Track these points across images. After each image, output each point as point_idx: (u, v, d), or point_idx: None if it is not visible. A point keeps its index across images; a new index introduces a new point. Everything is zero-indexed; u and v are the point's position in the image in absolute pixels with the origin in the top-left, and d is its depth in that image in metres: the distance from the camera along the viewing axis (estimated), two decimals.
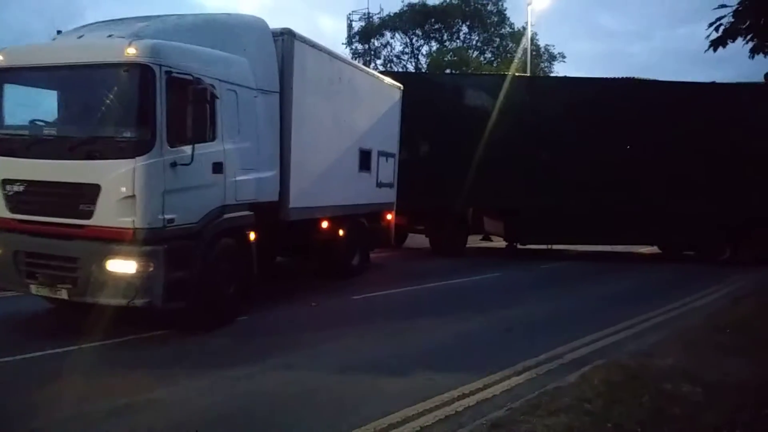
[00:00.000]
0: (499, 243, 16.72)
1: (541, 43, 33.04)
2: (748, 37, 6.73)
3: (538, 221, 14.44)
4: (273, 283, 9.31)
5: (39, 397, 4.70)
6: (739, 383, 5.11)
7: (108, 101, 6.09)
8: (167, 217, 6.10)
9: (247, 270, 7.44)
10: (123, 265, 5.93)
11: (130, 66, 5.88)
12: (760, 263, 14.08)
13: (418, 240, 15.64)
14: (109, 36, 6.28)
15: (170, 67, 6.03)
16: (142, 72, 5.88)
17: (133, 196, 5.86)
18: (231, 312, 7.17)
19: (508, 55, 31.89)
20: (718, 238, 15.13)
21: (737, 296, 9.79)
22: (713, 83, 16.01)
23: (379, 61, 33.29)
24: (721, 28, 6.64)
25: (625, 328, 7.76)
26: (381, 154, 11.57)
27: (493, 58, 32.97)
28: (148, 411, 4.53)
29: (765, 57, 6.90)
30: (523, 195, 14.31)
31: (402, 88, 12.44)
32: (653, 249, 17.09)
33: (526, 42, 26.59)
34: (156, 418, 4.40)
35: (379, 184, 11.64)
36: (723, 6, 6.63)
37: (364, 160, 10.92)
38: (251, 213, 7.50)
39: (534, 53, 29.79)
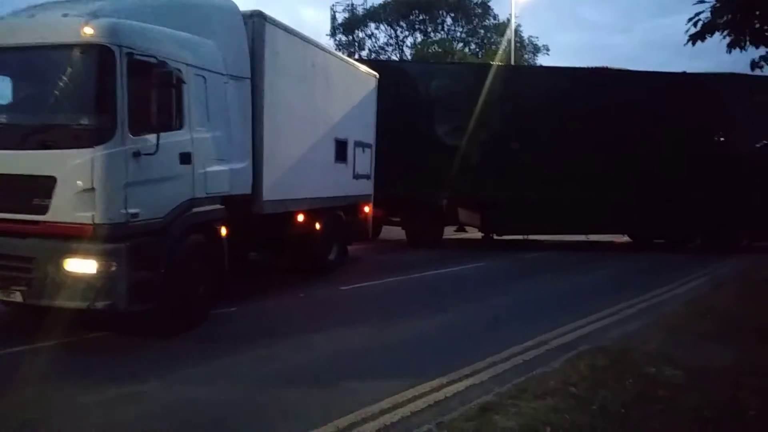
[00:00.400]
0: (473, 234, 16.62)
1: (525, 35, 33.26)
2: (725, 32, 6.92)
3: (515, 212, 14.41)
4: (255, 278, 9.31)
5: None
6: (719, 367, 5.21)
7: (63, 86, 5.61)
8: (130, 211, 5.62)
9: (219, 268, 6.97)
10: (82, 265, 5.42)
11: (87, 47, 5.44)
12: (729, 251, 14.51)
13: (393, 232, 15.41)
14: (64, 15, 5.73)
15: (132, 48, 5.57)
16: (100, 54, 5.44)
17: (92, 189, 5.39)
18: (201, 314, 6.67)
19: (493, 46, 32.01)
20: (688, 227, 15.38)
21: (718, 283, 9.95)
22: (684, 73, 16.00)
23: (363, 53, 33.26)
24: (700, 23, 6.83)
25: (610, 315, 7.81)
26: (357, 144, 11.21)
27: (477, 50, 33.09)
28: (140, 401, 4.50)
29: (741, 52, 7.08)
30: (501, 186, 14.20)
31: (378, 76, 12.09)
32: (625, 238, 17.18)
33: (510, 34, 26.72)
34: (145, 408, 4.36)
35: (356, 176, 11.29)
36: (702, 2, 6.81)
37: (340, 150, 10.49)
38: (222, 207, 7.02)
39: (518, 45, 29.93)
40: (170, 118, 6.03)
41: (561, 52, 59.46)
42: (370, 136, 12.01)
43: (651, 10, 74.90)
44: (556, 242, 16.30)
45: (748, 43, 6.95)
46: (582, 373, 5.00)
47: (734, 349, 5.83)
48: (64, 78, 5.59)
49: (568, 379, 4.85)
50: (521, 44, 31.79)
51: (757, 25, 6.90)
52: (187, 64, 6.37)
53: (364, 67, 11.88)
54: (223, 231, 7.04)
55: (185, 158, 6.35)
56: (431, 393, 4.79)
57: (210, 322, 6.75)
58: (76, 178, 5.42)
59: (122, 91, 5.53)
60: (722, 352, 5.70)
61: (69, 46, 5.54)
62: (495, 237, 15.79)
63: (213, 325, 6.70)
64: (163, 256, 5.96)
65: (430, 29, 33.49)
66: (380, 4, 32.63)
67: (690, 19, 6.86)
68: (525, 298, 9.13)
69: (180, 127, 6.27)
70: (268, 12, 8.01)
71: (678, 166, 14.58)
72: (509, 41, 26.66)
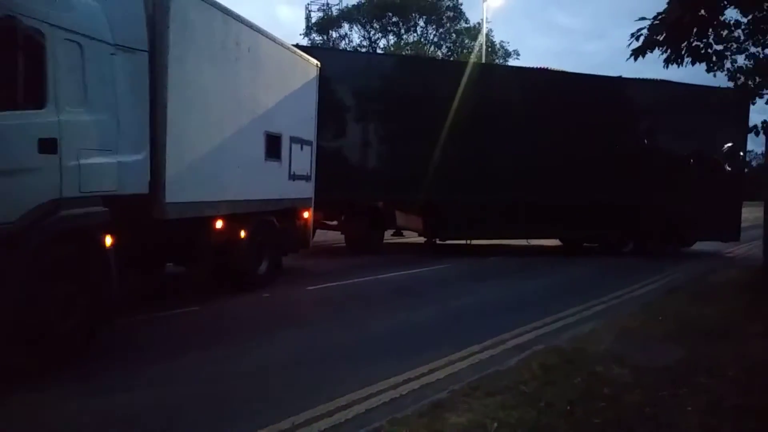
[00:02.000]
0: (412, 238, 16.05)
1: (497, 40, 33.70)
2: (663, 48, 7.32)
3: (459, 216, 14.10)
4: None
5: None
6: (664, 366, 5.45)
7: None
8: None
9: (102, 288, 5.51)
10: None
11: None
12: (661, 254, 15.13)
13: (321, 237, 14.01)
14: None
15: None
16: None
17: None
18: (74, 349, 5.22)
19: (465, 50, 32.38)
20: (621, 230, 15.70)
21: (672, 287, 10.34)
22: (621, 78, 15.92)
23: None
24: (641, 39, 7.21)
25: (567, 316, 8.03)
26: (294, 140, 9.83)
27: (450, 54, 33.41)
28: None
29: (678, 67, 7.53)
30: (446, 190, 13.73)
31: (319, 65, 10.79)
32: (556, 242, 17.27)
33: (481, 38, 27.08)
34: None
35: (293, 176, 9.89)
36: (643, 18, 7.19)
37: (272, 146, 9.12)
38: (105, 210, 5.58)
39: (489, 49, 30.34)
40: (22, 91, 4.73)
41: (533, 57, 60.64)
42: (310, 132, 10.62)
43: (624, 17, 76.62)
44: (499, 246, 16.03)
45: (685, 58, 7.34)
46: (534, 372, 5.18)
47: (681, 349, 6.09)
48: None
49: (520, 378, 5.02)
50: (492, 49, 32.21)
51: (694, 43, 7.28)
52: (53, 25, 5.04)
53: (303, 54, 10.48)
54: (108, 240, 5.62)
55: (48, 146, 4.94)
56: (387, 391, 4.90)
57: (169, 320, 6.74)
58: None
59: None
60: (669, 352, 5.96)
61: None
62: (438, 242, 15.28)
63: (171, 324, 6.68)
64: (12, 275, 4.58)
65: (403, 31, 33.70)
66: (354, 5, 32.72)
67: (632, 35, 7.25)
68: (484, 300, 9.28)
69: (40, 105, 4.93)
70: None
71: (608, 170, 14.90)
72: (480, 45, 27.00)
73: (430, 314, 8.05)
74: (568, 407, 4.29)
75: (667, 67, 7.45)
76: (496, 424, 3.95)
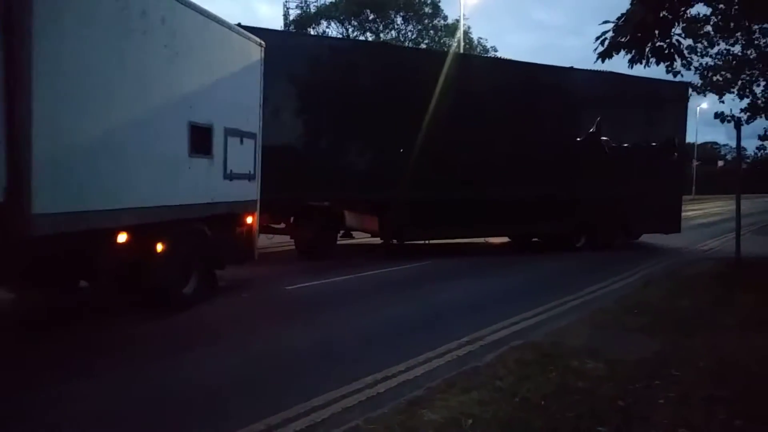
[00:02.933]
0: (362, 239, 14.98)
1: (475, 36, 33.86)
2: (628, 50, 7.51)
3: (418, 216, 13.14)
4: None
5: None
6: (638, 359, 5.53)
7: None
8: None
9: None
10: None
11: None
12: (603, 249, 15.13)
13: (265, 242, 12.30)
14: None
15: None
16: None
17: None
18: None
19: (444, 47, 32.45)
20: (573, 225, 15.41)
21: (647, 281, 10.48)
22: (571, 68, 15.43)
23: None
24: (606, 42, 7.38)
25: (544, 311, 8.09)
26: (231, 132, 8.32)
27: None
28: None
29: (645, 67, 7.74)
30: (404, 187, 12.74)
31: (264, 45, 9.27)
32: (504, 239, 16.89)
33: (459, 33, 27.18)
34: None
35: (230, 175, 8.35)
36: (607, 22, 7.37)
37: (200, 140, 7.60)
38: None
39: (467, 46, 30.44)
40: None
41: (515, 53, 60.91)
42: (252, 123, 9.04)
43: (599, 12, 77.50)
44: (456, 246, 15.38)
45: (649, 58, 7.54)
46: (510, 368, 5.22)
47: (655, 341, 6.18)
48: None
49: (496, 373, 5.06)
50: (470, 45, 32.34)
51: (658, 43, 7.47)
52: None
53: (242, 31, 8.86)
54: None
55: None
56: (364, 390, 4.91)
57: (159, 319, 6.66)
58: None
59: None
60: (644, 345, 6.05)
61: None
62: (395, 242, 13.97)
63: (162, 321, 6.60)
64: None
65: (381, 29, 33.67)
66: (332, 2, 32.60)
67: (597, 38, 7.42)
68: (461, 297, 9.31)
69: None
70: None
71: (556, 163, 14.74)
72: (459, 42, 27.09)
73: (406, 312, 8.05)
74: (543, 401, 4.33)
75: (632, 66, 7.63)
76: (470, 421, 3.97)
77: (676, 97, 16.55)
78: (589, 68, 13.61)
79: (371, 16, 33.01)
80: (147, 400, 4.63)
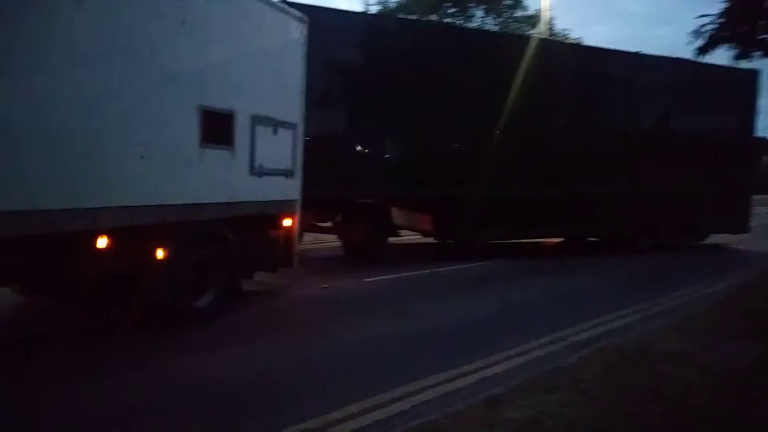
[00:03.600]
0: (411, 238, 13.42)
1: (559, 28, 32.82)
2: (732, 45, 7.06)
3: (478, 214, 11.96)
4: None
5: None
6: (734, 367, 5.19)
7: None
8: None
9: None
10: None
11: None
12: (669, 250, 13.98)
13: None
14: None
15: None
16: None
17: None
18: None
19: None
20: (638, 224, 14.25)
21: (745, 286, 9.79)
22: (639, 54, 14.45)
23: None
24: (707, 36, 6.97)
25: (626, 315, 7.69)
26: (260, 121, 7.12)
27: None
28: None
29: (748, 62, 7.24)
30: (464, 182, 11.76)
31: (306, 21, 7.95)
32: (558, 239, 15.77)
33: (541, 26, 26.41)
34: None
35: (258, 171, 7.16)
36: (704, 15, 6.94)
37: (215, 127, 6.43)
38: None
39: (550, 38, 29.55)
40: None
41: (599, 44, 58.33)
42: (290, 112, 7.78)
43: (692, 1, 73.17)
44: (516, 246, 14.00)
45: (755, 53, 7.08)
46: (594, 370, 5.03)
47: (754, 349, 5.76)
48: None
49: (579, 375, 4.89)
50: (554, 36, 31.37)
51: (761, 36, 6.99)
52: None
53: (277, 4, 7.71)
54: None
55: None
56: (443, 384, 4.90)
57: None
58: None
59: None
60: (741, 353, 5.65)
61: None
62: (450, 242, 13.02)
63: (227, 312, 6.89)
64: None
65: (460, 22, 33.29)
66: None
67: (694, 32, 7.03)
68: (536, 296, 9.03)
69: None
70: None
71: (618, 156, 13.65)
72: (541, 31, 26.34)
73: (482, 309, 7.93)
74: (630, 407, 4.15)
75: (737, 61, 7.16)
76: (552, 423, 3.86)
77: (745, 85, 15.09)
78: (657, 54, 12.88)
79: (450, 10, 32.70)
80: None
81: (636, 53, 14.33)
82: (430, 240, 13.28)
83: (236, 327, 6.57)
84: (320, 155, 9.37)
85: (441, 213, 12.09)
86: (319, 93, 9.73)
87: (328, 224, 11.44)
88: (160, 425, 4.03)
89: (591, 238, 15.23)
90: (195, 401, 4.43)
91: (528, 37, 15.07)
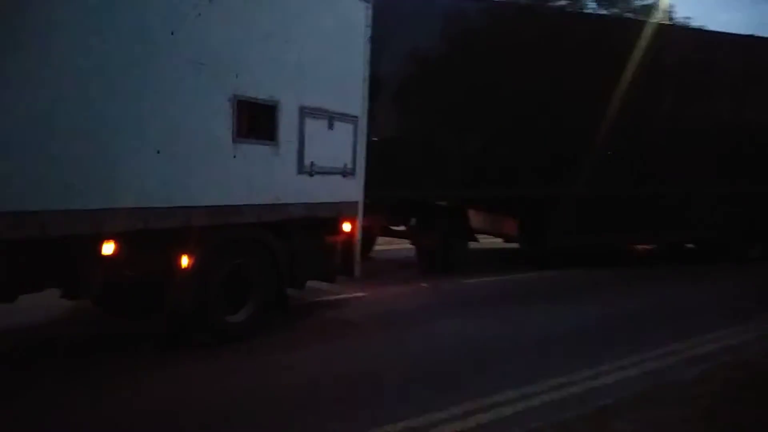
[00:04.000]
0: (487, 243, 11.96)
1: (679, 16, 30.66)
2: None
3: (571, 217, 10.92)
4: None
5: None
6: None
7: None
8: None
9: None
10: None
11: None
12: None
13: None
14: None
15: None
16: None
17: None
18: None
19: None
20: (749, 228, 12.57)
21: None
22: (748, 36, 12.71)
23: None
24: None
25: (754, 329, 7.10)
26: (311, 113, 6.31)
27: None
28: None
29: None
30: (555, 182, 10.65)
31: (371, 1, 7.04)
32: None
33: (659, 15, 24.87)
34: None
35: (309, 169, 6.35)
36: None
37: (254, 119, 5.78)
38: None
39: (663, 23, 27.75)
40: None
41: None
42: (350, 103, 6.91)
43: None
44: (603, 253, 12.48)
45: None
46: (716, 386, 4.73)
47: None
48: None
49: (699, 391, 4.62)
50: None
51: None
52: None
53: None
54: None
55: None
56: (549, 392, 4.79)
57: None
58: None
59: None
60: None
61: None
62: (538, 249, 11.63)
63: (341, 309, 7.16)
64: None
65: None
66: None
67: None
68: (647, 305, 8.46)
69: None
70: None
71: (732, 151, 12.02)
72: (658, 17, 24.81)
73: (587, 317, 7.57)
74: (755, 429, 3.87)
75: None
76: None
77: None
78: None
79: (561, 2, 31.64)
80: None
81: (752, 36, 12.75)
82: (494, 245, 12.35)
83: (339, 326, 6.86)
84: (390, 151, 8.69)
85: (529, 216, 11.03)
86: (392, 84, 8.98)
87: (402, 228, 10.50)
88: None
89: (688, 245, 13.81)
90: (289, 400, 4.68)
91: (640, 22, 13.84)
